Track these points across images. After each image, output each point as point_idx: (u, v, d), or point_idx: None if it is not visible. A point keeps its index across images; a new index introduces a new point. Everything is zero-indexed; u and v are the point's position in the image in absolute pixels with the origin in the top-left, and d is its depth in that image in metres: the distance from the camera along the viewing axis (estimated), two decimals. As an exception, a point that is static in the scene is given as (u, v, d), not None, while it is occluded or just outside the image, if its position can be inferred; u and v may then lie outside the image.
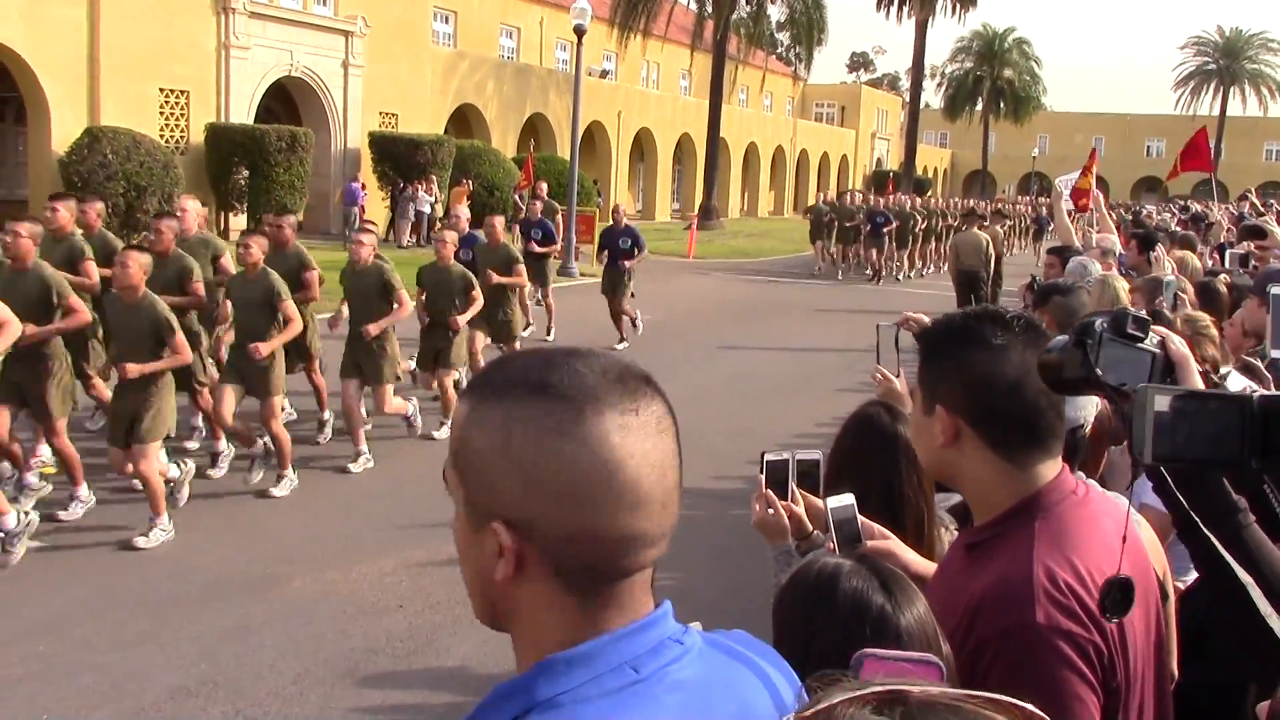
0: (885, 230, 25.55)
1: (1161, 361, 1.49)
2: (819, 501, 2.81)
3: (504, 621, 1.16)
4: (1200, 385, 1.59)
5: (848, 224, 26.78)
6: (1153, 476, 1.51)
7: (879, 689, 0.77)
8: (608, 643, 1.09)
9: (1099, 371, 1.48)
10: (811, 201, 29.86)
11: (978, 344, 1.81)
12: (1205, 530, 1.50)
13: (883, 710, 0.75)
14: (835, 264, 27.37)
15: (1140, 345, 1.49)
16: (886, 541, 2.15)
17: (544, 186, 19.47)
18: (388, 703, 5.13)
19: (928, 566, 2.10)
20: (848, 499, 2.14)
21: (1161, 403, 1.37)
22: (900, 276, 26.80)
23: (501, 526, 1.08)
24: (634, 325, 14.92)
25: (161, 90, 24.42)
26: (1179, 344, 1.57)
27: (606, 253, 15.16)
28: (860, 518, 2.12)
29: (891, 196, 30.90)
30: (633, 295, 15.00)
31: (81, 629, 5.66)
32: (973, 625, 1.71)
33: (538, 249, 14.93)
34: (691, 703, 1.08)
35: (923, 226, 27.21)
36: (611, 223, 15.54)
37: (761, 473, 2.74)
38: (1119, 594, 1.49)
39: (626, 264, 14.63)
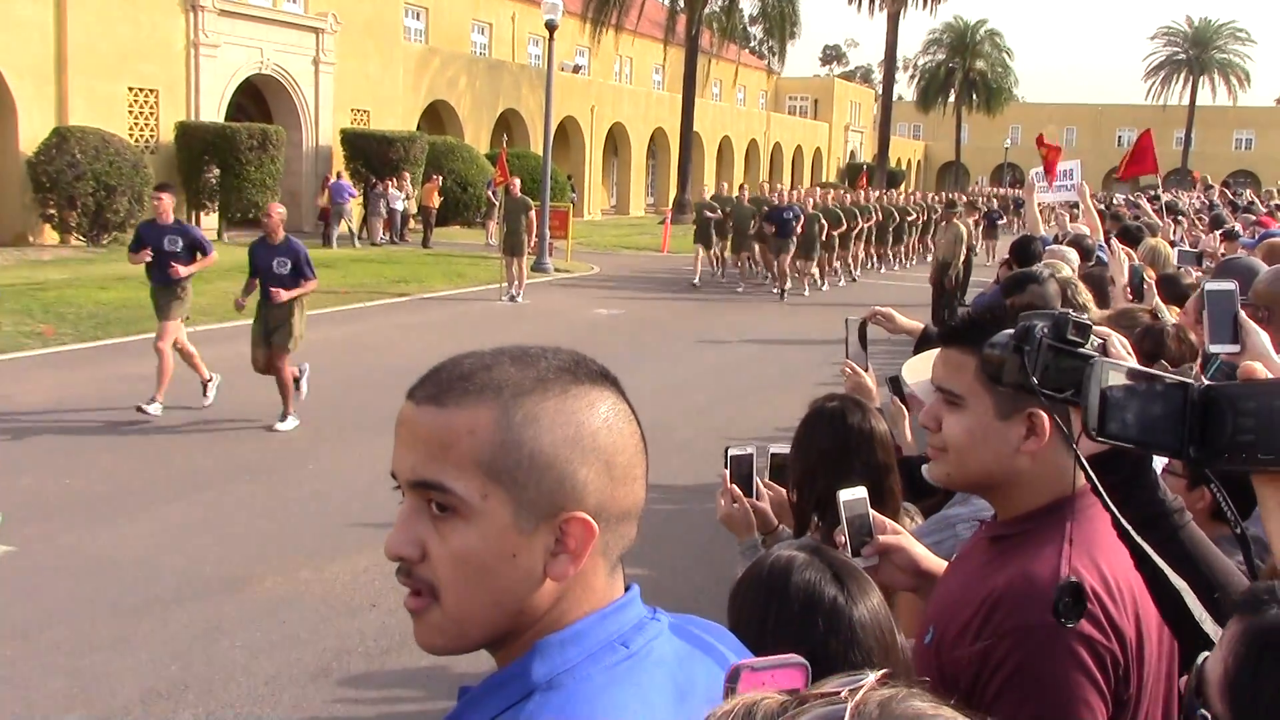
0: (795, 231, 20.65)
1: None
2: (786, 494, 2.80)
3: (518, 628, 1.10)
4: None
5: (750, 231, 21.84)
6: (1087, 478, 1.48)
7: None
8: (595, 621, 1.10)
9: (1035, 380, 1.45)
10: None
11: None
12: (1137, 536, 1.47)
13: None
14: (740, 272, 22.80)
15: (1081, 350, 1.46)
16: (898, 537, 2.10)
17: (517, 182, 19.32)
18: (361, 702, 5.09)
19: (938, 564, 2.07)
20: (860, 492, 2.08)
21: (1115, 378, 1.33)
22: (806, 288, 21.56)
23: (579, 517, 1.07)
24: (296, 387, 9.76)
25: (130, 89, 24.22)
26: (1119, 345, 1.54)
27: (257, 280, 9.67)
28: (872, 512, 2.08)
29: (792, 190, 27.16)
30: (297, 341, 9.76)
31: (50, 633, 5.59)
32: (990, 617, 1.68)
33: (174, 271, 9.53)
34: (676, 675, 1.10)
35: (840, 230, 22.17)
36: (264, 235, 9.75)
37: (726, 467, 2.72)
38: (1070, 599, 1.46)
39: (282, 294, 9.51)
